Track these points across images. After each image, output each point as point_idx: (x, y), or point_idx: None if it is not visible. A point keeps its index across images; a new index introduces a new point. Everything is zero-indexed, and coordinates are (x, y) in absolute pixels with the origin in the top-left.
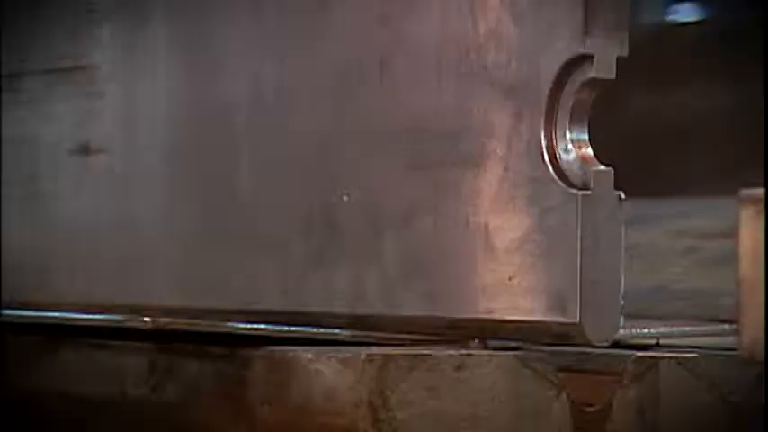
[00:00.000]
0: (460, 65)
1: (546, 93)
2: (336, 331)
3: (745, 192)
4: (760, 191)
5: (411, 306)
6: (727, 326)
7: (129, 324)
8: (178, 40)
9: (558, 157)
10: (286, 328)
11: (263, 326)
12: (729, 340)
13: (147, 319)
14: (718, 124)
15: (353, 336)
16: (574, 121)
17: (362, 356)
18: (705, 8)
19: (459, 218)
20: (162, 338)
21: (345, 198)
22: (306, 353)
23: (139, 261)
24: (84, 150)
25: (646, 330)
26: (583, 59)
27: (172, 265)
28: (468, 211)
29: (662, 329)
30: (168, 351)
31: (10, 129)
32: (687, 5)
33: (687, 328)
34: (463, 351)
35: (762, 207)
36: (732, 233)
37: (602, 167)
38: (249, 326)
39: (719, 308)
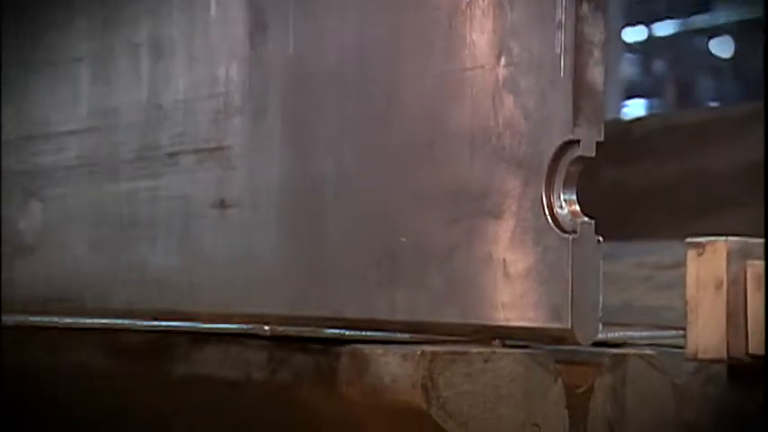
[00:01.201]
0: (486, 146)
1: (546, 166)
2: (398, 334)
3: (690, 239)
4: (700, 239)
5: (451, 316)
6: (674, 332)
7: (254, 332)
8: (287, 128)
9: (555, 211)
10: (363, 332)
11: (347, 331)
12: (677, 341)
13: (266, 327)
14: (667, 189)
15: (411, 337)
16: (566, 186)
17: (418, 352)
18: (650, 106)
19: (485, 254)
20: (278, 339)
21: (403, 240)
22: (378, 349)
23: (260, 283)
24: (221, 205)
25: (617, 334)
26: (572, 143)
27: (283, 286)
28: (491, 249)
29: (628, 334)
30: (282, 347)
31: (171, 190)
32: (638, 102)
33: (646, 333)
34: (488, 349)
35: (702, 250)
36: (678, 266)
37: (587, 219)
38: (338, 331)
39: (669, 319)
